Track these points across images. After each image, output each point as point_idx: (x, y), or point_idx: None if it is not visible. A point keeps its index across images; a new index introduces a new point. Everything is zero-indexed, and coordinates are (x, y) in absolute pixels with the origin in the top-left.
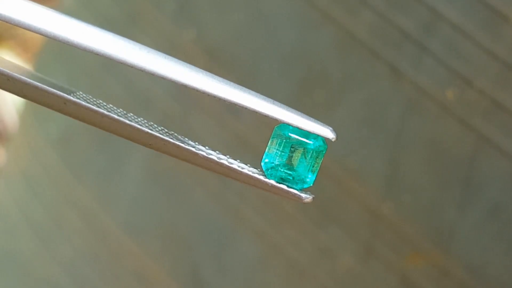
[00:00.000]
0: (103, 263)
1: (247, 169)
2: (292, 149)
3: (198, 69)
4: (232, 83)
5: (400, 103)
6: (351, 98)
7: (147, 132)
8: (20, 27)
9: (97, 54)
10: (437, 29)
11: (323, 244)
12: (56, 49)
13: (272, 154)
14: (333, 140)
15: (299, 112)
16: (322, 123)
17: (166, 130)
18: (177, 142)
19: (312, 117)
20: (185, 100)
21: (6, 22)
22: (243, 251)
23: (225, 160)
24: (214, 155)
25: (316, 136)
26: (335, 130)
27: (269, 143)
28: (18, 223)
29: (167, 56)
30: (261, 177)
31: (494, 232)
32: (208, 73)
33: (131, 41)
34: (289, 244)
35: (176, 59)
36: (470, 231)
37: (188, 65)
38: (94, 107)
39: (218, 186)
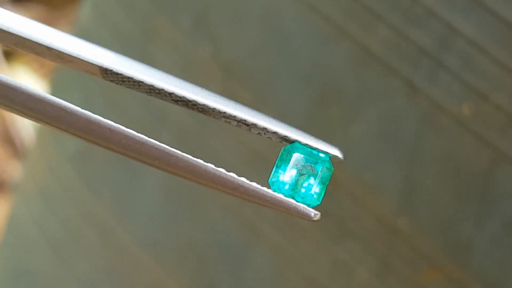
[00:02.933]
0: (120, 278)
1: (255, 183)
2: (299, 171)
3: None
4: (237, 103)
5: (416, 118)
6: (367, 114)
7: (153, 145)
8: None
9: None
10: (452, 44)
11: (339, 258)
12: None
13: (279, 176)
14: (341, 158)
15: (308, 134)
16: (329, 144)
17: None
18: (185, 154)
19: (328, 131)
20: (200, 115)
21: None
22: (260, 265)
23: (233, 173)
24: (223, 170)
25: (323, 159)
26: (345, 149)
27: (275, 165)
28: (35, 239)
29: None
30: (270, 191)
31: (510, 246)
32: (211, 92)
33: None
34: (305, 259)
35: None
36: (486, 246)
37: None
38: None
39: (234, 201)
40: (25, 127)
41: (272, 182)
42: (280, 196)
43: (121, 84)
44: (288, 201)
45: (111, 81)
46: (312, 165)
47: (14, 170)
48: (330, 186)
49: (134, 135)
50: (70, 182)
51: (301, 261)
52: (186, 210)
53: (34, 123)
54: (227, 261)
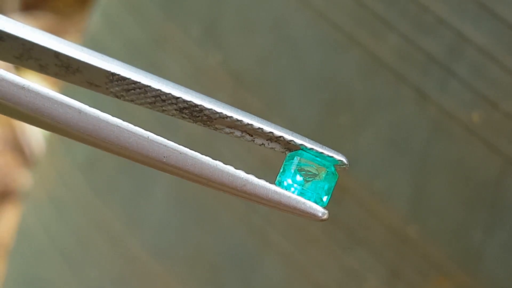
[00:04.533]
0: (130, 286)
1: (264, 180)
2: (304, 177)
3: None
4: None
5: (425, 126)
6: (376, 121)
7: (161, 143)
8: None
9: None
10: (462, 52)
11: (349, 266)
12: None
13: (284, 183)
14: (346, 164)
15: (312, 140)
16: (334, 150)
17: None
18: (194, 152)
19: (337, 139)
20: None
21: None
22: (269, 273)
23: (241, 171)
24: (231, 167)
25: (328, 166)
26: (354, 156)
27: (280, 171)
28: (45, 247)
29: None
30: (279, 188)
31: None
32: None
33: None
34: (315, 267)
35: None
36: (497, 254)
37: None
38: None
39: (244, 209)
40: (34, 135)
41: (280, 183)
42: (289, 193)
43: (124, 96)
44: (297, 198)
45: (115, 93)
46: (317, 171)
47: (24, 178)
48: (340, 193)
49: (142, 132)
50: (80, 190)
51: (311, 269)
52: (196, 218)
53: (44, 131)
54: (236, 269)
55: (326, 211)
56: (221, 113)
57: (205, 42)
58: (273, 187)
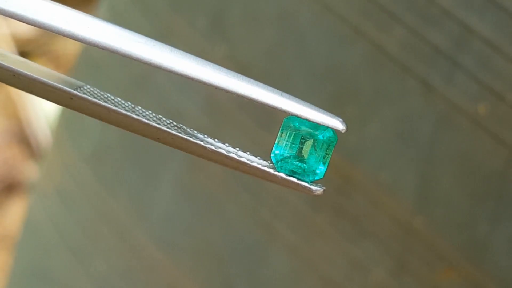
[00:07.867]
0: (137, 278)
1: (256, 162)
2: (302, 140)
3: (205, 61)
4: (239, 75)
5: (432, 118)
6: (383, 114)
7: (155, 127)
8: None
9: (102, 48)
10: (469, 44)
11: (355, 258)
12: (89, 66)
13: (282, 146)
14: (343, 131)
15: (308, 104)
16: (332, 114)
17: (174, 123)
18: (185, 136)
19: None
20: (216, 115)
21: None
22: (276, 266)
23: (234, 153)
24: (223, 149)
25: (326, 129)
26: (361, 148)
27: (278, 135)
28: (51, 239)
29: (173, 49)
30: (271, 170)
31: None
32: (215, 65)
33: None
34: (321, 259)
35: (182, 52)
36: (503, 246)
37: (195, 57)
38: (101, 102)
39: (250, 201)
40: (41, 127)
41: (275, 155)
42: (281, 175)
43: None
44: (289, 179)
45: None
46: (314, 136)
47: (30, 170)
48: (346, 185)
49: (132, 118)
50: (87, 183)
51: (317, 261)
52: (202, 210)
53: (50, 124)
54: (243, 261)
55: (319, 189)
56: (211, 84)
57: (211, 34)
58: (265, 170)
